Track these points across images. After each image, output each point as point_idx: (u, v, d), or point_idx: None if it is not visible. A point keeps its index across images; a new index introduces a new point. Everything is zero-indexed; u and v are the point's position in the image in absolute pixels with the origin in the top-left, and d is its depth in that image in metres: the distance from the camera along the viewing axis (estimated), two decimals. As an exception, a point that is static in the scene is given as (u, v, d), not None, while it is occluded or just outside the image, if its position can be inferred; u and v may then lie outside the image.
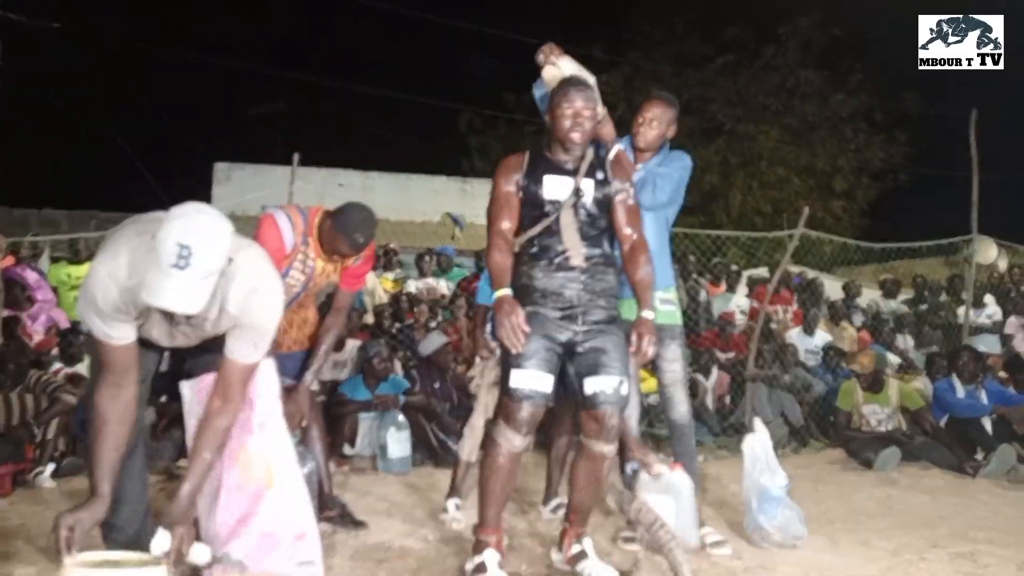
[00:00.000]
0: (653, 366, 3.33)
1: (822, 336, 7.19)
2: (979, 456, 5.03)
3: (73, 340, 4.98)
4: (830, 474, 4.95)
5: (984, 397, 5.41)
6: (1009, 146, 11.37)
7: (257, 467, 2.42)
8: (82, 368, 4.82)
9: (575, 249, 2.66)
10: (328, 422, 4.69)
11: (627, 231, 2.76)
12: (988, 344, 7.08)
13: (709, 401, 6.07)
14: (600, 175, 2.74)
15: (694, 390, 5.74)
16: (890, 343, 7.22)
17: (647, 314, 2.65)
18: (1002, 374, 6.20)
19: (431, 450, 4.78)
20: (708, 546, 3.05)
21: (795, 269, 8.73)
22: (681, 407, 3.26)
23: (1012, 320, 7.92)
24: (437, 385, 5.25)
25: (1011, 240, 9.01)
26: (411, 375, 5.29)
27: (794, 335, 7.14)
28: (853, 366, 5.84)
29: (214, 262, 2.02)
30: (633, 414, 3.29)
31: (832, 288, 8.71)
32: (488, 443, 2.67)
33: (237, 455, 2.43)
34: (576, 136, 2.66)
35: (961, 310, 7.62)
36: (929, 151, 14.82)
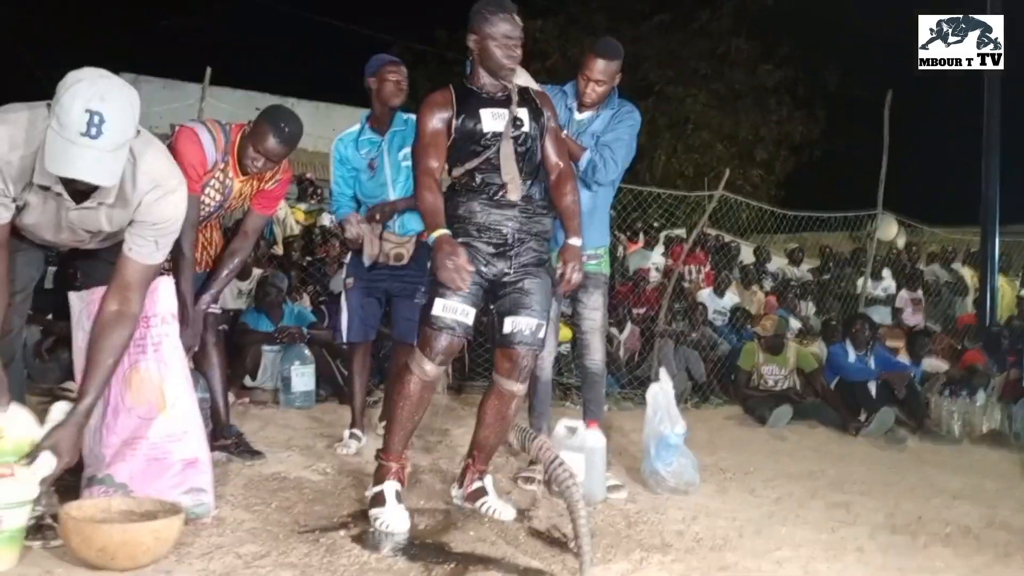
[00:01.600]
0: (573, 313, 3.34)
1: (731, 298, 7.43)
2: (862, 417, 5.34)
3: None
4: (726, 428, 5.16)
5: (872, 363, 5.73)
6: (917, 128, 11.91)
7: (148, 390, 2.33)
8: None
9: (514, 183, 2.60)
10: (230, 352, 4.55)
11: (555, 160, 2.75)
12: (881, 315, 7.48)
13: (621, 353, 6.20)
14: (535, 107, 2.68)
15: (608, 342, 5.84)
16: (794, 308, 7.54)
17: (574, 241, 2.67)
18: (894, 343, 6.59)
19: (335, 386, 4.70)
20: (607, 489, 3.12)
21: (712, 232, 8.94)
22: (596, 355, 3.27)
23: (903, 294, 8.41)
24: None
25: (911, 219, 9.49)
26: (320, 310, 5.15)
27: (705, 295, 7.35)
28: (756, 328, 6.06)
29: (127, 131, 1.88)
30: (548, 360, 3.31)
31: (746, 253, 8.99)
32: (401, 370, 2.64)
33: (129, 375, 2.33)
34: (510, 63, 2.58)
35: (860, 281, 8.00)
36: (844, 128, 15.36)
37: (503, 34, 2.56)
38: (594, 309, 3.26)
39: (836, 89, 16.01)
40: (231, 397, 4.33)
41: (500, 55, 2.57)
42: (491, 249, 2.60)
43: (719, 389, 6.15)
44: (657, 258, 8.27)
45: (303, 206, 7.38)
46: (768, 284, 8.26)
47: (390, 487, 2.56)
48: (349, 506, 2.68)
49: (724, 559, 2.47)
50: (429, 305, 2.55)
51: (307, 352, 4.59)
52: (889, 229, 9.34)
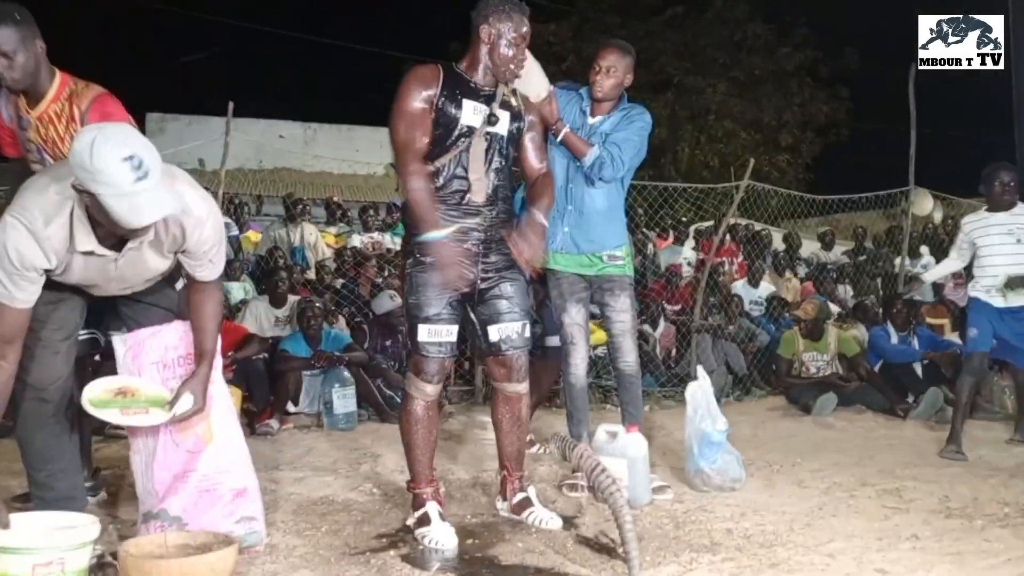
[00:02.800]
0: (602, 316, 3.35)
1: (766, 287, 7.34)
2: (910, 399, 5.23)
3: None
4: (770, 420, 5.10)
5: (916, 343, 5.61)
6: (945, 102, 11.65)
7: (195, 423, 2.37)
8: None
9: (479, 183, 2.55)
10: (271, 379, 4.64)
11: (537, 164, 2.75)
12: (921, 293, 7.32)
13: (657, 351, 6.17)
14: (517, 111, 2.65)
15: (643, 340, 5.82)
16: (831, 293, 7.42)
17: (537, 216, 2.62)
18: (937, 321, 6.44)
19: (376, 406, 4.75)
20: (652, 491, 3.12)
21: (742, 221, 8.85)
22: (629, 356, 3.29)
23: (944, 269, 8.19)
24: (388, 343, 5.21)
25: (946, 192, 9.28)
26: (361, 330, 5.22)
27: (739, 286, 7.27)
28: (797, 312, 5.98)
29: (157, 157, 1.95)
30: (581, 365, 3.31)
31: (778, 240, 8.88)
32: (403, 398, 2.66)
33: None
34: (516, 67, 2.56)
35: (898, 260, 7.85)
36: (869, 106, 15.11)
37: (519, 33, 2.54)
38: (622, 311, 3.27)
39: (858, 67, 15.76)
40: (275, 424, 4.43)
41: (512, 54, 2.54)
42: (465, 260, 2.57)
43: (760, 380, 6.08)
44: (688, 252, 8.20)
45: (332, 229, 7.48)
46: (802, 270, 8.14)
47: (432, 507, 2.59)
48: (397, 525, 2.71)
49: (775, 555, 2.45)
50: (413, 332, 2.55)
51: (346, 374, 4.65)
52: (924, 204, 9.14)
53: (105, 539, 2.37)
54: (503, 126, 2.61)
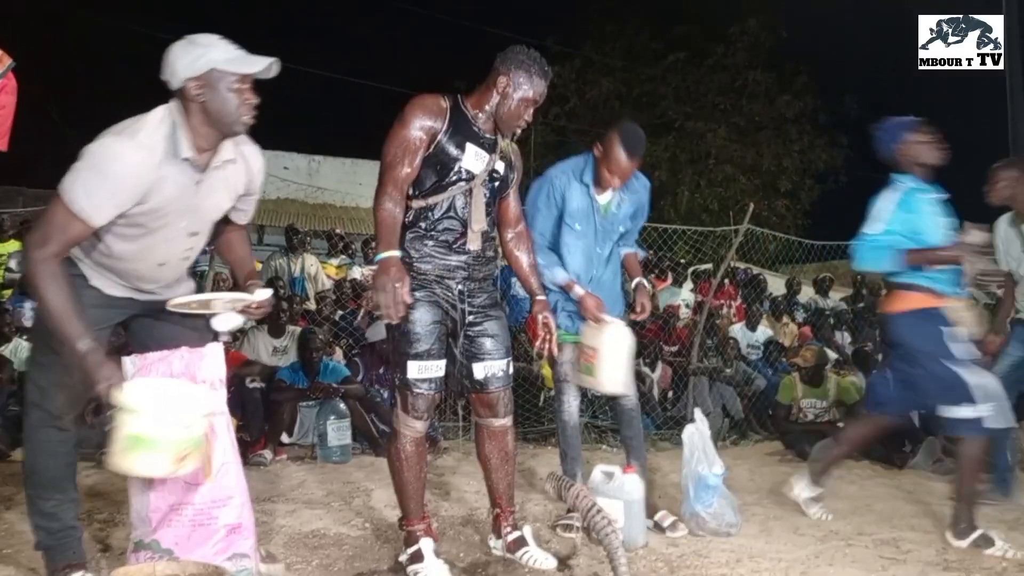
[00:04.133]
0: None
1: (764, 331, 7.35)
2: (907, 448, 5.20)
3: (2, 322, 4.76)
4: (766, 465, 5.06)
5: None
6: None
7: (195, 457, 2.32)
8: (5, 351, 4.61)
9: (478, 231, 2.57)
10: (266, 409, 4.62)
11: (517, 211, 2.81)
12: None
13: (654, 393, 6.15)
14: (509, 160, 2.68)
15: (639, 382, 5.81)
16: (829, 339, 7.43)
17: (543, 296, 2.81)
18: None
19: (371, 439, 4.72)
20: (665, 529, 3.12)
21: (740, 265, 8.90)
22: (628, 391, 3.32)
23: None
24: (381, 371, 5.19)
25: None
26: (354, 362, 5.21)
27: (737, 329, 7.28)
28: (796, 360, 5.97)
29: None
30: (574, 404, 3.33)
31: (775, 285, 8.92)
32: (392, 435, 2.62)
33: None
34: (521, 125, 2.59)
35: (895, 308, 7.87)
36: (868, 153, 15.27)
37: (534, 96, 2.55)
38: (612, 288, 3.35)
39: (857, 115, 16.02)
40: (269, 454, 4.39)
41: (520, 112, 2.56)
42: (451, 296, 2.59)
43: (757, 425, 6.05)
44: (686, 294, 8.23)
45: (334, 261, 7.52)
46: (800, 315, 8.16)
47: (426, 544, 2.56)
48: (388, 562, 2.68)
49: (771, 603, 2.42)
50: (403, 368, 2.52)
51: (342, 407, 4.63)
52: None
53: (93, 567, 2.34)
54: (500, 178, 2.65)
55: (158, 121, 2.10)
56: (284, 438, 4.69)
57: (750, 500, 3.72)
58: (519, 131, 2.62)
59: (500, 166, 2.63)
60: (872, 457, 5.19)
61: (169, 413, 2.02)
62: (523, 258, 2.82)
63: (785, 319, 7.82)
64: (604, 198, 3.22)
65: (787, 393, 5.65)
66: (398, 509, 2.67)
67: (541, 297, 2.80)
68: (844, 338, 7.77)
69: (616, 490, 3.01)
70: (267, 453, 4.39)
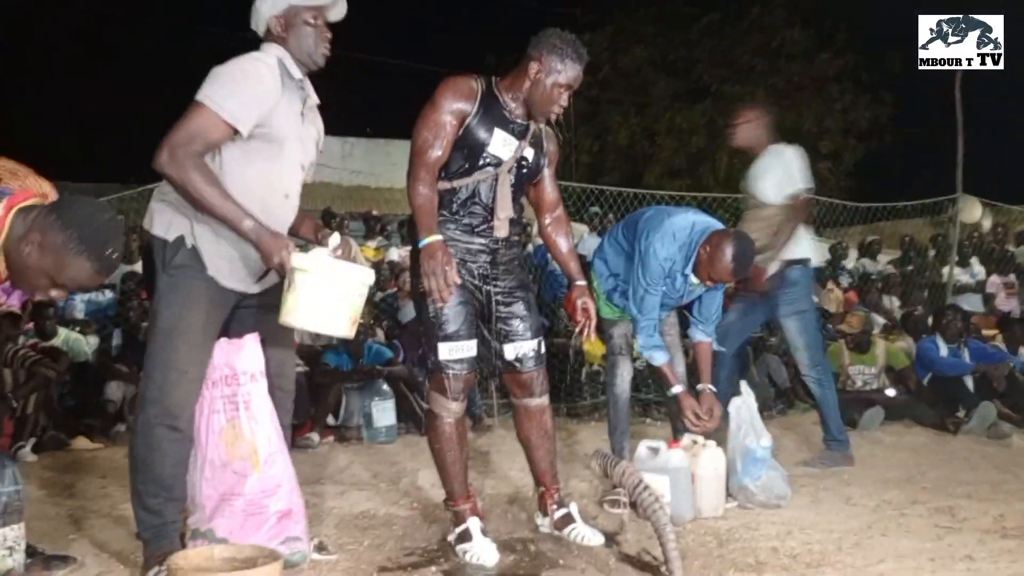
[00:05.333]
0: None
1: (808, 298, 7.19)
2: (960, 413, 5.08)
3: (48, 315, 4.90)
4: (815, 435, 4.96)
5: (967, 356, 5.45)
6: (993, 106, 11.35)
7: (243, 446, 2.37)
8: (57, 343, 4.76)
9: (504, 218, 2.55)
10: (312, 392, 4.69)
11: (554, 196, 2.77)
12: (971, 303, 7.12)
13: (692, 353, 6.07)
14: (540, 145, 2.64)
15: (685, 354, 5.75)
16: (876, 304, 7.25)
17: (582, 281, 2.76)
18: (989, 332, 6.25)
19: (415, 419, 4.77)
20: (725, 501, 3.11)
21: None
22: (679, 368, 3.37)
23: (994, 279, 7.98)
24: (420, 352, 5.21)
25: (995, 199, 9.03)
26: (394, 344, 5.25)
27: (780, 297, 7.13)
28: (841, 327, 5.86)
29: None
30: (627, 378, 3.39)
31: (820, 250, 8.71)
32: (429, 417, 2.64)
33: (225, 431, 2.37)
34: (556, 110, 2.53)
35: (946, 269, 7.65)
36: (914, 111, 14.77)
37: (568, 82, 2.49)
38: (671, 326, 3.38)
39: (901, 72, 15.45)
40: (316, 437, 4.47)
41: (554, 98, 2.49)
42: (474, 279, 2.59)
43: (804, 394, 5.95)
44: (727, 262, 8.09)
45: (372, 243, 7.56)
46: (845, 281, 7.98)
47: (473, 523, 2.58)
48: (438, 541, 2.70)
49: (822, 575, 2.39)
50: (435, 351, 2.53)
51: (386, 387, 4.68)
52: (972, 211, 8.92)
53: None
54: (528, 164, 2.61)
55: (268, 49, 2.28)
56: (330, 420, 4.76)
57: (799, 471, 3.67)
58: (553, 117, 2.56)
59: (530, 153, 2.59)
60: (924, 423, 5.08)
61: (341, 275, 2.18)
62: (562, 243, 2.79)
63: (830, 285, 7.65)
64: (696, 282, 3.19)
65: (834, 361, 5.53)
66: (444, 489, 2.70)
67: (580, 283, 2.76)
68: (893, 302, 7.58)
69: (662, 465, 2.99)
70: (314, 436, 4.46)
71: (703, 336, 3.34)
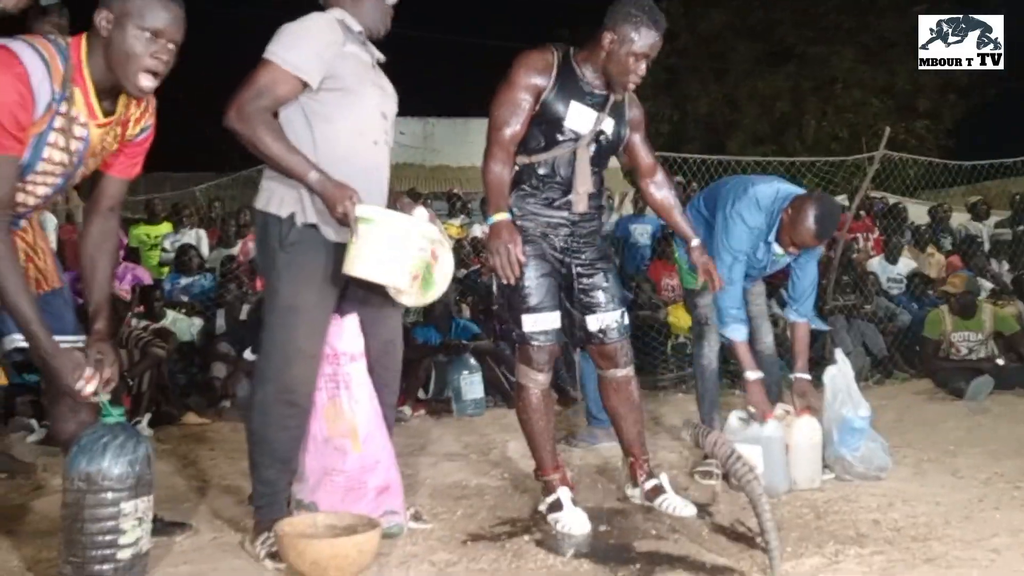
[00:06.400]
0: None
1: (906, 263, 6.87)
2: (1080, 381, 4.77)
3: (156, 298, 5.18)
4: (916, 405, 4.78)
5: (1086, 320, 5.10)
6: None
7: (343, 424, 2.44)
8: (165, 323, 5.03)
9: (583, 192, 2.54)
10: (403, 367, 4.80)
11: (648, 160, 2.76)
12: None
13: (789, 334, 5.90)
14: (621, 114, 2.60)
15: (774, 323, 5.61)
16: (983, 268, 6.85)
17: (698, 241, 2.76)
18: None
19: (503, 392, 4.83)
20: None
21: (876, 195, 8.32)
22: (767, 338, 3.34)
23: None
24: (504, 327, 5.26)
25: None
26: (480, 319, 5.32)
27: (875, 263, 6.85)
28: (944, 288, 5.57)
29: None
30: (715, 347, 3.33)
31: (917, 213, 8.28)
32: (517, 389, 2.68)
33: (327, 408, 2.45)
34: (633, 80, 2.49)
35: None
36: (1019, 62, 13.74)
37: (644, 50, 2.44)
38: (758, 295, 3.31)
39: (1006, 19, 14.38)
40: (408, 410, 4.60)
41: (630, 66, 2.45)
42: (556, 252, 2.59)
43: (903, 363, 5.71)
44: (818, 229, 7.78)
45: (455, 221, 7.66)
46: (947, 244, 7.56)
47: (563, 493, 2.60)
48: (530, 511, 2.74)
49: (930, 549, 2.30)
50: (519, 323, 2.55)
51: (473, 361, 4.76)
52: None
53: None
54: (607, 135, 2.58)
55: (330, 11, 2.30)
56: (420, 394, 4.88)
57: (899, 442, 3.52)
58: (631, 87, 2.52)
59: (609, 125, 2.57)
60: (1038, 392, 4.80)
61: (402, 226, 2.21)
62: (668, 204, 2.78)
63: (930, 249, 7.26)
64: (780, 251, 3.09)
65: (934, 328, 5.28)
66: (533, 460, 2.74)
67: (696, 242, 2.76)
68: (1002, 266, 7.14)
69: (755, 435, 2.94)
70: (406, 409, 4.58)
71: (796, 316, 3.20)
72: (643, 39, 2.42)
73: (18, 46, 1.86)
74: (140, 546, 2.02)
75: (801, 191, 3.10)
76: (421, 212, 2.37)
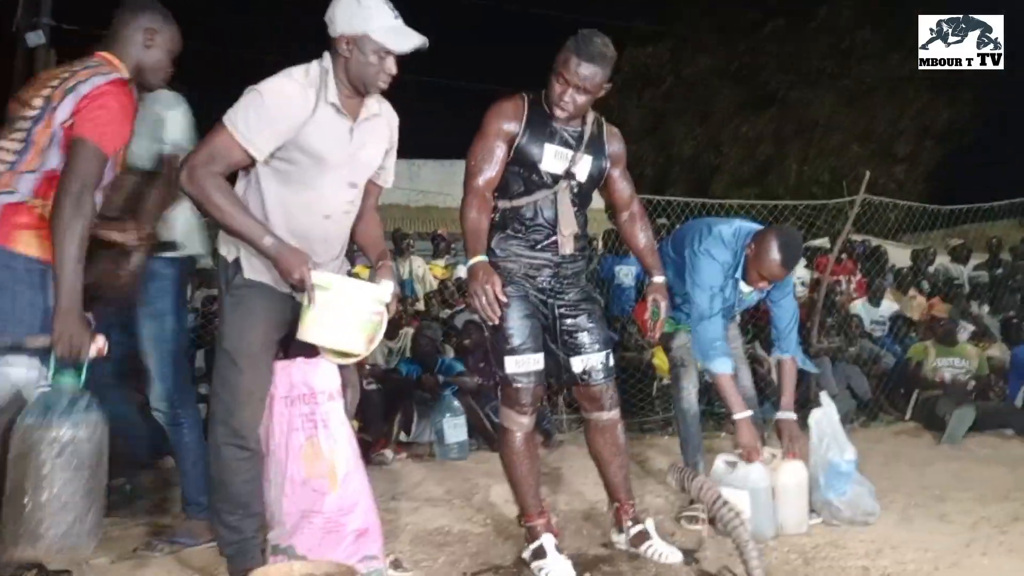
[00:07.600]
0: None
1: (888, 306, 6.93)
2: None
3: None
4: (901, 448, 4.77)
5: (1067, 362, 5.14)
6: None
7: (321, 465, 2.39)
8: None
9: (569, 235, 2.56)
10: (385, 409, 4.75)
11: (627, 196, 2.77)
12: (1068, 307, 6.71)
13: (773, 376, 5.90)
14: (600, 148, 2.61)
15: (757, 364, 5.60)
16: (964, 310, 6.90)
17: (659, 278, 2.77)
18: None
19: (486, 435, 4.77)
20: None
21: (857, 238, 8.42)
22: (745, 382, 3.27)
23: (1094, 280, 7.50)
24: (482, 365, 5.22)
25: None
26: (464, 361, 5.27)
27: (859, 306, 6.90)
28: (928, 316, 5.66)
29: None
30: (693, 391, 3.26)
31: (898, 256, 8.37)
32: (500, 432, 2.65)
33: (304, 449, 2.39)
34: (561, 108, 2.49)
35: (1038, 272, 7.24)
36: (996, 109, 14.11)
37: (572, 79, 2.44)
38: (734, 339, 3.28)
39: (1006, 19, 14.76)
40: (390, 453, 4.52)
41: (557, 92, 2.46)
42: (539, 294, 2.60)
43: (888, 405, 5.71)
44: (801, 271, 7.85)
45: (440, 262, 7.66)
46: (926, 286, 7.63)
47: (547, 540, 2.55)
48: (513, 558, 2.69)
49: (919, 597, 2.27)
50: (501, 364, 2.54)
51: (456, 403, 4.70)
52: (1065, 209, 8.40)
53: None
54: (584, 172, 2.59)
55: (312, 66, 2.25)
56: (402, 437, 4.80)
57: (886, 486, 3.49)
58: (563, 115, 2.50)
59: (586, 161, 2.58)
60: (1022, 434, 4.80)
61: (358, 294, 2.22)
62: (641, 238, 2.81)
63: (912, 292, 7.33)
64: (747, 289, 3.12)
65: (918, 354, 5.34)
66: (516, 505, 2.68)
67: (658, 279, 2.77)
68: (983, 308, 7.20)
69: (741, 480, 2.91)
70: (388, 452, 4.51)
71: (781, 352, 3.21)
72: (572, 66, 2.44)
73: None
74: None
75: (760, 227, 3.13)
76: (387, 285, 2.31)
